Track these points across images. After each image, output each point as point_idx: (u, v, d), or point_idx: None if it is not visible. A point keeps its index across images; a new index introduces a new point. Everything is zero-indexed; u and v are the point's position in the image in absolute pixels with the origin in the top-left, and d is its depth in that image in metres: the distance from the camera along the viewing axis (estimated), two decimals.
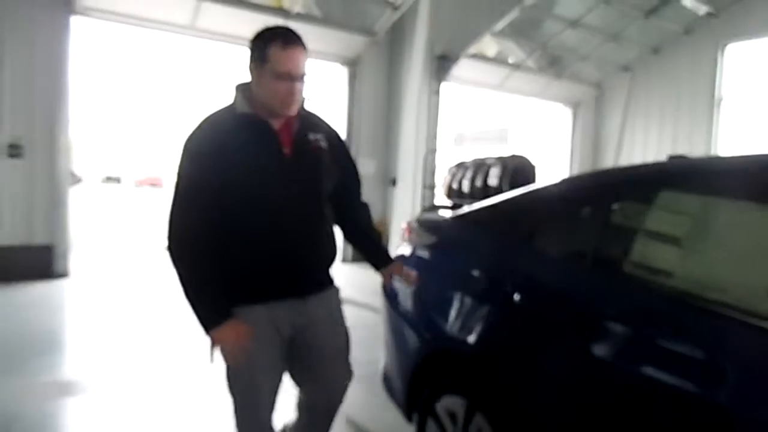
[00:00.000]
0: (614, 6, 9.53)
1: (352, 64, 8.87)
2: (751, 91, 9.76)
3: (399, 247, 2.56)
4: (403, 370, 2.30)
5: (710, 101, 10.14)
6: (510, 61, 10.80)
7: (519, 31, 9.88)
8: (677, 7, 9.50)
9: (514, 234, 2.06)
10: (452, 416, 1.97)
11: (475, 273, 2.06)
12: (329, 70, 8.87)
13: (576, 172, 11.12)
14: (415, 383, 2.19)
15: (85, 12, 6.64)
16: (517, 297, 1.80)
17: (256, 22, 7.24)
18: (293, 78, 1.62)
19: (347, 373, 1.92)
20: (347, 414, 2.84)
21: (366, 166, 8.66)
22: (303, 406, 1.97)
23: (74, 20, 6.50)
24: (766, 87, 9.45)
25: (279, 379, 1.81)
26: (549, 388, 1.66)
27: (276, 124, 1.69)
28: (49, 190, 6.40)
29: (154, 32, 7.65)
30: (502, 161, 8.28)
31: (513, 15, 8.28)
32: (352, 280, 5.64)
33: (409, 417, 2.27)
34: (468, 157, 9.28)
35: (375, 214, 2.30)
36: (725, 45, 9.97)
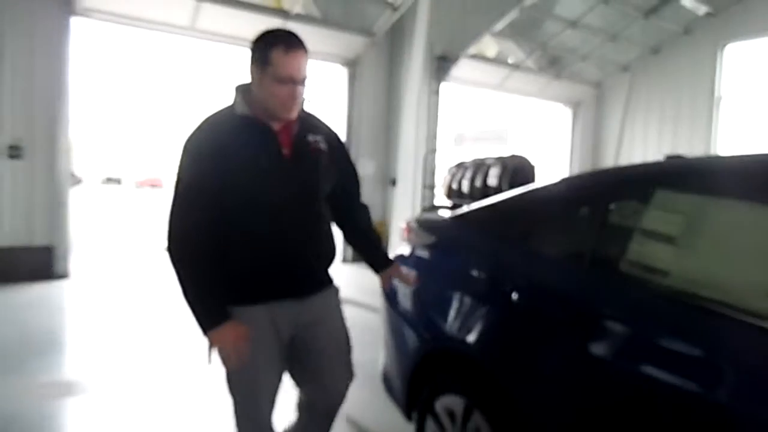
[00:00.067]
0: (614, 6, 9.54)
1: (352, 65, 8.88)
2: (751, 90, 9.77)
3: (398, 247, 2.57)
4: (402, 370, 2.31)
5: (710, 101, 10.15)
6: (510, 61, 10.81)
7: (519, 32, 9.89)
8: (677, 7, 9.52)
9: (512, 234, 2.07)
10: (451, 415, 1.98)
11: (474, 273, 2.07)
12: (329, 71, 8.89)
13: (576, 172, 11.12)
14: (415, 382, 2.20)
15: (85, 13, 6.65)
16: (515, 296, 1.81)
17: (255, 22, 7.30)
18: (295, 82, 1.62)
19: (348, 373, 1.92)
20: (347, 413, 2.85)
21: (366, 167, 8.67)
22: (303, 406, 1.97)
23: (74, 21, 6.51)
24: (766, 86, 9.46)
25: (279, 379, 1.81)
26: (546, 386, 1.67)
27: (276, 125, 1.69)
28: (50, 191, 6.41)
29: (154, 33, 7.66)
30: (502, 161, 8.30)
31: (513, 15, 8.28)
32: (352, 280, 5.65)
33: (408, 416, 2.28)
34: (468, 157, 9.30)
35: (375, 214, 2.31)
36: (725, 45, 9.98)
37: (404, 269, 2.12)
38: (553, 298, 1.75)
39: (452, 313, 2.04)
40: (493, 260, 2.05)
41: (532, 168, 8.31)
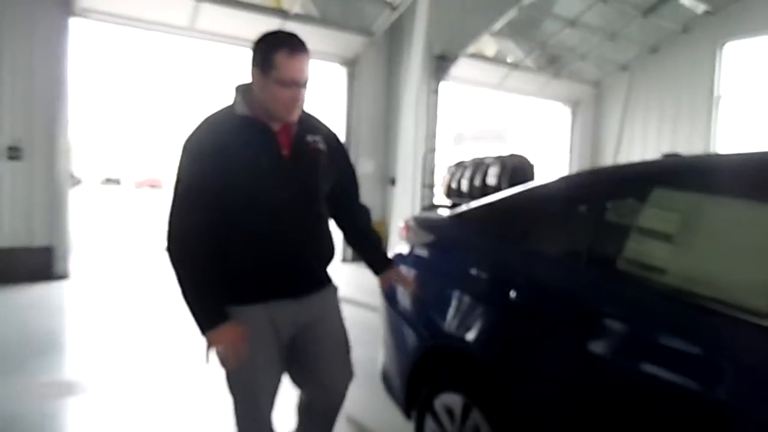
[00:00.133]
0: (613, 5, 9.54)
1: (351, 64, 8.88)
2: (750, 89, 9.77)
3: (397, 245, 2.58)
4: (401, 368, 2.32)
5: (709, 99, 10.16)
6: (509, 60, 10.82)
7: (518, 31, 9.90)
8: (675, 5, 9.52)
9: (510, 232, 2.08)
10: (450, 413, 1.99)
11: (473, 271, 2.07)
12: (328, 70, 8.89)
13: (575, 170, 11.13)
14: (414, 381, 2.21)
15: (84, 14, 6.65)
16: (513, 294, 1.81)
17: (254, 22, 7.30)
18: (298, 85, 1.62)
19: (348, 373, 1.92)
20: (347, 413, 2.85)
21: (365, 166, 8.67)
22: (303, 407, 1.97)
23: (73, 22, 6.51)
24: (765, 85, 9.46)
25: (279, 379, 1.81)
26: (545, 384, 1.68)
27: (275, 126, 1.69)
28: (49, 192, 6.42)
29: (153, 34, 7.66)
30: (501, 160, 8.30)
31: (511, 14, 8.29)
32: (352, 279, 5.65)
33: (407, 414, 2.29)
34: (467, 157, 9.30)
35: (374, 213, 2.31)
36: (723, 43, 9.99)
37: (404, 270, 2.12)
38: (552, 296, 1.75)
39: (451, 311, 2.04)
40: (492, 259, 2.05)
41: (531, 167, 8.30)
